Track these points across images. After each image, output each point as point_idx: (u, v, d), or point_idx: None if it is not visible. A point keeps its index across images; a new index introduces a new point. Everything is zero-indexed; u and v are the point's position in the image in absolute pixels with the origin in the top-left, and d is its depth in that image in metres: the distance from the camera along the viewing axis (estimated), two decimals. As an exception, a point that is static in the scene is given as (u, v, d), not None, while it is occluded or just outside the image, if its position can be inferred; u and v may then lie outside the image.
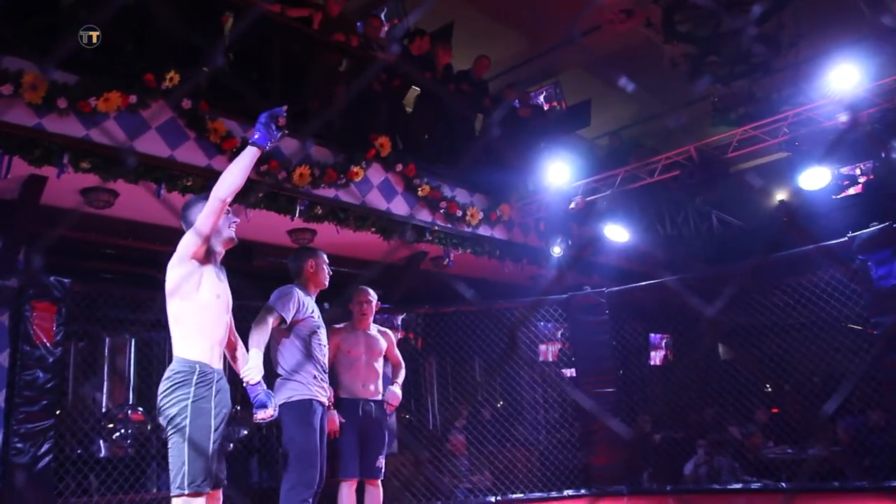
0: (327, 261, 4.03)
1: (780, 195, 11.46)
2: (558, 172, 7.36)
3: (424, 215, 6.84)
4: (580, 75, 10.12)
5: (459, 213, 7.05)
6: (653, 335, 8.61)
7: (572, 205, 7.43)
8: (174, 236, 3.01)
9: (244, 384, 3.16)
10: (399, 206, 6.65)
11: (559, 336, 7.56)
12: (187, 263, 2.86)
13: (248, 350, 3.33)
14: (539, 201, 7.72)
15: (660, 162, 7.13)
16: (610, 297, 7.32)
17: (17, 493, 4.91)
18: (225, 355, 3.12)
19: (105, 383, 8.52)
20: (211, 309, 2.89)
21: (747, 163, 9.77)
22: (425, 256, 7.32)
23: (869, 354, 6.13)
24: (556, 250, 7.68)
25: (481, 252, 7.38)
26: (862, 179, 10.17)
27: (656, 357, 8.72)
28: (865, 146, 7.41)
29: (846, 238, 5.91)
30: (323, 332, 3.83)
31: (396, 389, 4.51)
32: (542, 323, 7.73)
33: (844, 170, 10.11)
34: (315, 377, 3.70)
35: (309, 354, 3.70)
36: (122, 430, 7.17)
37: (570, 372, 7.63)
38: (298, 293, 3.74)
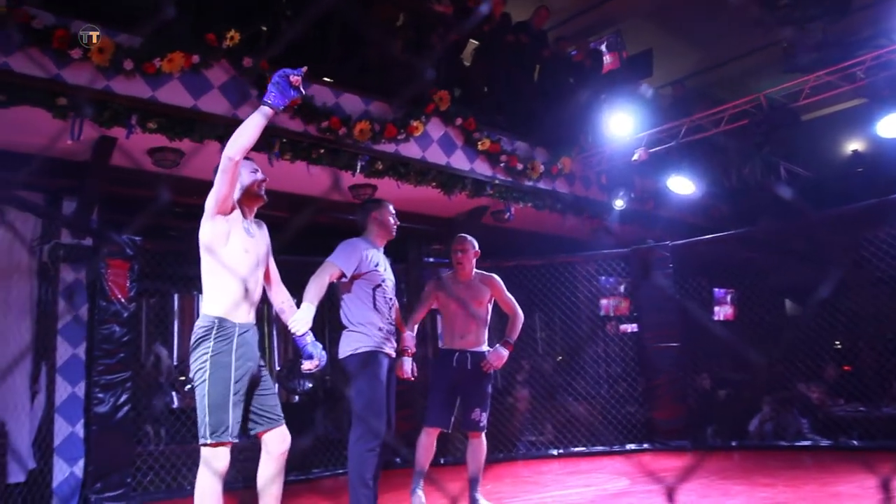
0: (393, 211, 3.98)
1: (854, 145, 10.97)
2: (620, 124, 7.20)
3: (485, 169, 6.78)
4: (641, 24, 9.77)
5: (520, 167, 6.96)
6: (717, 290, 8.42)
7: (635, 157, 7.27)
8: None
9: (292, 336, 3.20)
10: (459, 161, 6.60)
11: (621, 290, 7.46)
12: (212, 220, 2.92)
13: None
14: (601, 154, 7.58)
15: (726, 111, 6.90)
16: (674, 251, 7.17)
17: (101, 440, 5.16)
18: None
19: (175, 338, 8.84)
20: (238, 264, 2.94)
21: (820, 111, 9.36)
22: (486, 211, 7.28)
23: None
24: (619, 203, 7.54)
25: (542, 206, 7.31)
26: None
27: (720, 312, 8.54)
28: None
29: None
30: (389, 285, 3.81)
31: (501, 349, 4.32)
32: (603, 277, 7.64)
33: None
34: (381, 329, 3.69)
35: (374, 307, 3.70)
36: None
37: (632, 327, 7.56)
38: (361, 246, 3.72)
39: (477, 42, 7.93)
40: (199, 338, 2.88)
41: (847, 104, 9.47)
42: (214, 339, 2.86)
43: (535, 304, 7.23)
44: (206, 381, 2.82)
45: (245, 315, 2.98)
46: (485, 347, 4.44)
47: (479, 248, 4.55)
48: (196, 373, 2.87)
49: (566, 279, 7.30)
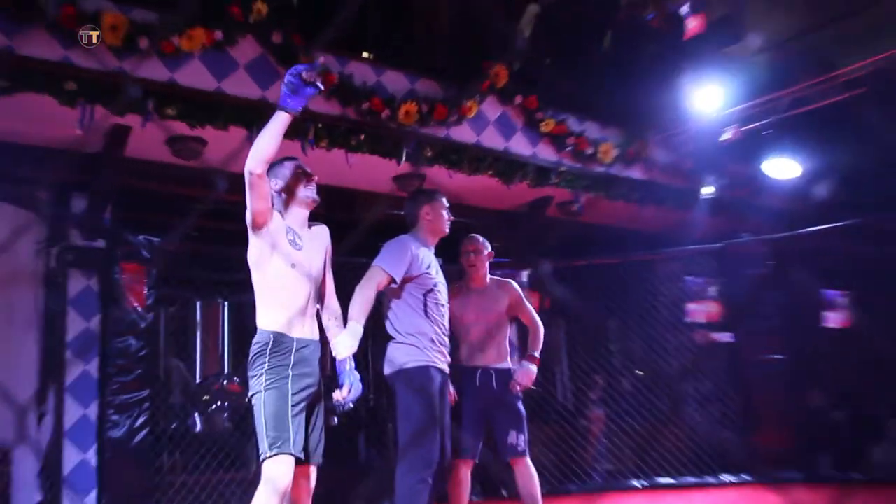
0: (447, 204, 3.93)
1: None
2: (708, 98, 7.04)
3: (549, 154, 6.71)
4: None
5: (590, 151, 6.89)
6: (828, 291, 8.18)
7: (726, 136, 7.11)
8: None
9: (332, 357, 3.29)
10: (519, 145, 6.56)
11: (712, 293, 7.30)
12: (255, 236, 3.08)
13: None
14: (685, 134, 7.43)
15: (838, 79, 6.69)
16: (775, 246, 7.00)
17: (116, 469, 5.23)
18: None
19: (198, 352, 8.91)
20: (283, 280, 3.09)
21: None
22: (551, 202, 7.21)
23: None
24: (707, 191, 7.39)
25: (616, 195, 7.23)
26: None
27: (833, 318, 8.28)
28: None
29: None
30: (442, 289, 3.77)
31: (530, 366, 4.27)
32: (689, 278, 7.49)
33: None
34: (433, 340, 3.64)
35: (425, 315, 3.65)
36: (219, 403, 7.51)
37: (725, 336, 7.39)
38: (412, 246, 3.68)
39: (537, 7, 7.85)
40: (256, 353, 3.08)
41: None
42: (270, 354, 3.05)
43: (609, 309, 7.13)
44: (263, 393, 3.00)
45: (301, 330, 3.13)
46: (509, 363, 4.38)
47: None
48: (253, 387, 3.05)
49: (646, 280, 7.18)
